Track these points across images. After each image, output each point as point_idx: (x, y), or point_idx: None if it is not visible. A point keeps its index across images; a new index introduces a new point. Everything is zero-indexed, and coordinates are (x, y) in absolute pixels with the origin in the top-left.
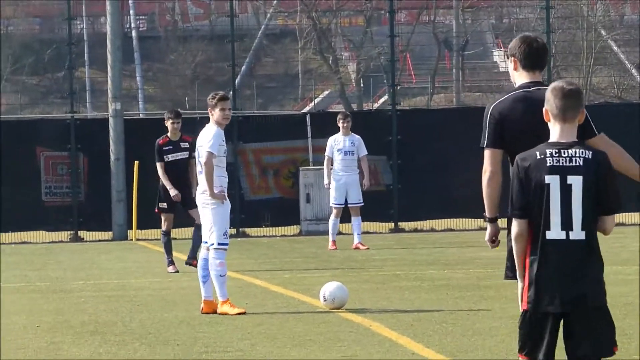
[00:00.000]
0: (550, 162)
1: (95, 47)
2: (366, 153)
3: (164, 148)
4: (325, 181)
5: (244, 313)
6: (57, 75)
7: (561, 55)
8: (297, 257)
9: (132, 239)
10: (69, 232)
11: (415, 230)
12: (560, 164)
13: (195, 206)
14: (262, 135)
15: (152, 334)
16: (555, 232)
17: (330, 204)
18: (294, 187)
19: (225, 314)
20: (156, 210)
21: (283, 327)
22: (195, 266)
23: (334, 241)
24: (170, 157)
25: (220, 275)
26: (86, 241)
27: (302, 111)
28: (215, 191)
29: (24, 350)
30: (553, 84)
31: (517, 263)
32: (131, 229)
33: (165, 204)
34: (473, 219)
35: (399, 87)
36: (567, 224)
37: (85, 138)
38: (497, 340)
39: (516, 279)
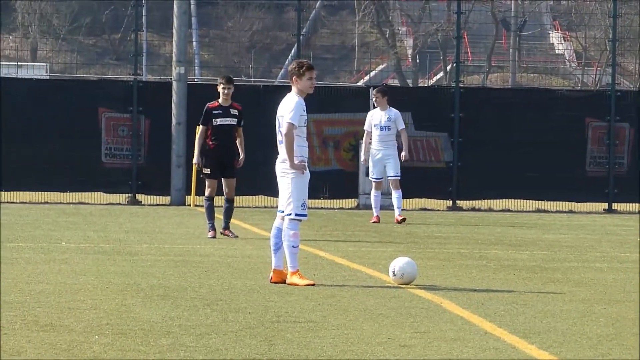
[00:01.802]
0: None
1: (152, 10)
2: (404, 127)
3: (214, 112)
4: (362, 157)
5: (313, 285)
6: (113, 37)
7: (619, 41)
8: (358, 230)
9: (189, 205)
10: (126, 195)
11: (473, 209)
12: None
13: (232, 176)
14: (324, 106)
15: (222, 301)
16: None
17: (370, 178)
18: (354, 159)
19: (295, 284)
20: (201, 176)
21: (353, 300)
22: (228, 236)
23: (377, 215)
24: (219, 121)
25: (293, 246)
26: (144, 205)
27: (362, 84)
28: (296, 162)
29: (95, 311)
30: None
31: None
32: (189, 194)
33: (208, 169)
34: (530, 201)
35: (454, 65)
36: None
37: (147, 101)
38: (569, 323)
39: None
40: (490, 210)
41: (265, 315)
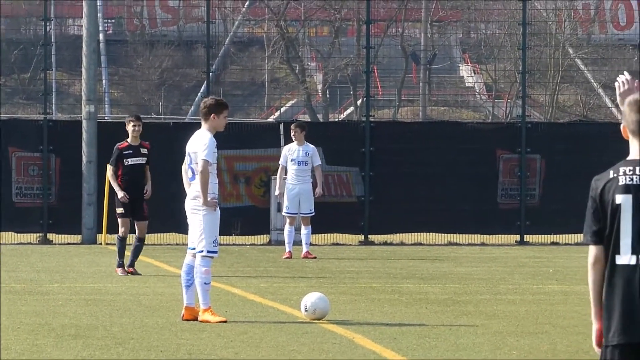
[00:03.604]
0: (623, 181)
1: (62, 49)
2: (319, 163)
3: (124, 152)
4: (277, 191)
5: (225, 322)
6: (22, 76)
7: (528, 73)
8: (270, 266)
9: (101, 243)
10: (37, 234)
11: (385, 244)
12: (634, 182)
13: (144, 219)
14: (234, 142)
15: (134, 339)
16: (625, 257)
17: (283, 213)
18: (265, 195)
19: (207, 322)
20: (117, 215)
21: (266, 337)
22: (132, 274)
23: (289, 251)
24: (130, 162)
25: (205, 283)
26: (55, 244)
27: (273, 120)
28: (208, 198)
29: (7, 352)
30: (629, 98)
31: (592, 296)
32: (100, 232)
33: (121, 209)
34: (442, 234)
35: (365, 99)
36: (638, 248)
37: (57, 140)
38: (482, 356)
39: None
40: (402, 244)
41: (177, 353)
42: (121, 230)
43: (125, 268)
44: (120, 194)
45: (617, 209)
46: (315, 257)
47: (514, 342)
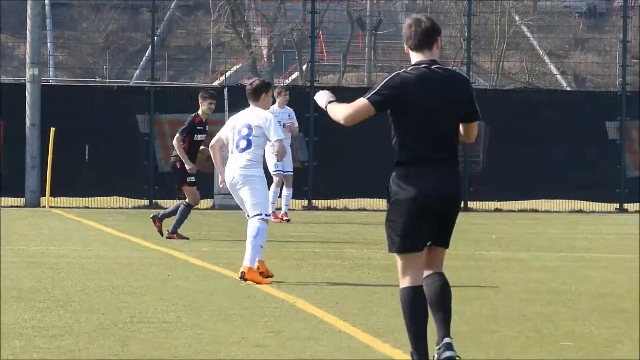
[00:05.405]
0: None
1: (6, 11)
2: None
3: (198, 127)
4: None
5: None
6: None
7: (474, 39)
8: (213, 230)
9: (44, 206)
10: None
11: (329, 209)
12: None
13: (192, 184)
14: (178, 106)
15: (76, 302)
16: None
17: (273, 172)
18: (209, 160)
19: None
20: (182, 184)
21: (208, 301)
22: (175, 238)
23: (274, 212)
24: (199, 137)
25: (261, 246)
26: None
27: (217, 84)
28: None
29: None
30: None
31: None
32: (44, 196)
33: (193, 178)
34: (385, 199)
35: (310, 64)
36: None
37: (1, 103)
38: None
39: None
40: (345, 209)
41: (118, 316)
42: (192, 199)
43: (170, 236)
44: (188, 165)
45: None
46: (289, 220)
47: (456, 307)
